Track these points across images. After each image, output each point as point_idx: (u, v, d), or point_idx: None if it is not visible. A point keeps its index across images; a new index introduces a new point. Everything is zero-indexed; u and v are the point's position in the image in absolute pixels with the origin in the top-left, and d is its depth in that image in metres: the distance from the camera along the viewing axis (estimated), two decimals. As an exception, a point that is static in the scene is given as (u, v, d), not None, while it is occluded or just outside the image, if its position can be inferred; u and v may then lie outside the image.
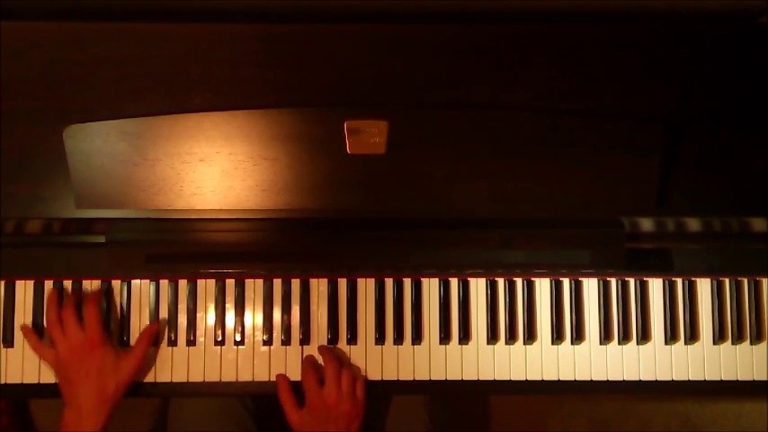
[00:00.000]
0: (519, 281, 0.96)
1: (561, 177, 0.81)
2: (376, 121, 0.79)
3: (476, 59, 0.82)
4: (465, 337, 0.94)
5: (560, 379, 0.94)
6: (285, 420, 0.89)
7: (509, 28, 0.82)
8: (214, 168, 0.80)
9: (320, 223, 0.85)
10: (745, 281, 0.97)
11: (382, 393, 1.01)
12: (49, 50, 0.80)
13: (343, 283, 0.95)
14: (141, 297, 0.94)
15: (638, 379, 0.95)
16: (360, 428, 0.88)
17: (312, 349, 0.94)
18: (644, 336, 0.95)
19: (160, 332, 0.93)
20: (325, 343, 0.94)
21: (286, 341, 0.94)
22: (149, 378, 0.92)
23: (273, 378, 0.93)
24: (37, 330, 0.92)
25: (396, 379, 0.93)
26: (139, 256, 0.86)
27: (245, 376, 0.93)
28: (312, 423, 0.87)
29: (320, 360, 0.92)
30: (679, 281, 0.96)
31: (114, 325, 0.93)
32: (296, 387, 0.91)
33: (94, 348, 0.86)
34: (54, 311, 0.88)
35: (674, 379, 0.95)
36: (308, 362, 0.92)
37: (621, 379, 0.95)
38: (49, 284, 0.93)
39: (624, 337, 0.95)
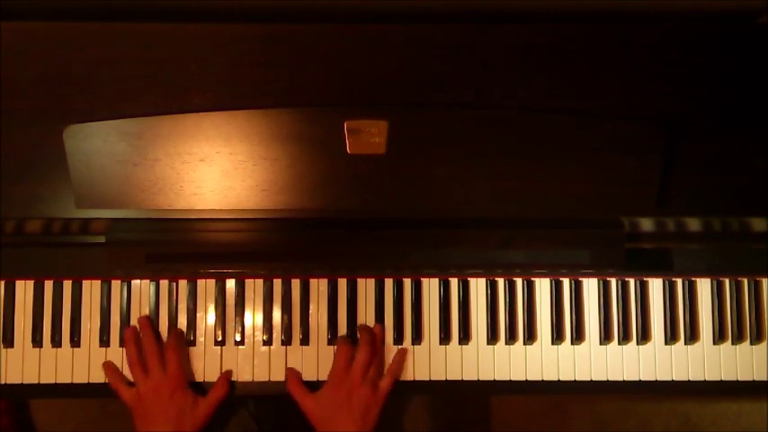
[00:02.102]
0: (519, 281, 0.96)
1: (561, 177, 0.81)
2: (376, 121, 0.79)
3: (476, 59, 0.82)
4: (465, 337, 0.94)
5: (560, 379, 0.95)
6: (288, 421, 0.89)
7: (509, 28, 0.82)
8: (214, 168, 0.80)
9: (320, 223, 0.85)
10: (745, 281, 0.97)
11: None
12: (49, 50, 0.80)
13: (343, 283, 0.95)
14: (141, 297, 0.94)
15: (638, 379, 0.95)
16: (376, 421, 0.87)
17: (312, 349, 0.94)
18: (644, 336, 0.95)
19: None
20: (325, 344, 0.94)
21: (286, 341, 0.94)
22: (149, 378, 0.92)
23: (273, 378, 0.93)
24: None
25: (395, 379, 0.93)
26: (139, 256, 0.86)
27: (245, 376, 0.93)
28: (329, 404, 0.86)
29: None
30: (679, 281, 0.96)
31: (114, 326, 0.93)
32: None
33: (175, 391, 0.86)
34: (134, 350, 0.89)
35: (674, 379, 0.95)
36: (344, 340, 0.91)
37: (621, 379, 0.95)
38: (49, 284, 0.93)
39: (624, 338, 0.95)
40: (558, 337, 0.95)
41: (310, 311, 0.94)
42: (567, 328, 0.95)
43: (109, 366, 0.91)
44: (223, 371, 0.93)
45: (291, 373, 0.92)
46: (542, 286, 0.96)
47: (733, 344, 0.96)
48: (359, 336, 0.91)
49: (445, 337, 0.94)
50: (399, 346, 0.94)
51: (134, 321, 0.93)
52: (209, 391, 0.90)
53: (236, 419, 1.04)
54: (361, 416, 0.85)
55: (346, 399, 0.86)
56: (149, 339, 0.89)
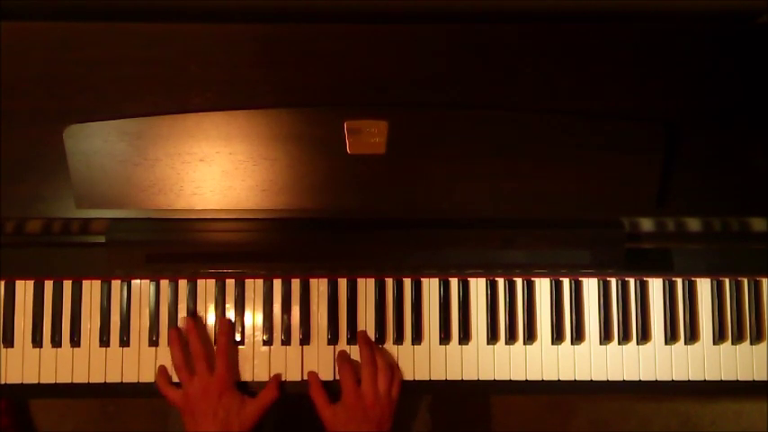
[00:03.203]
0: (519, 281, 0.96)
1: (561, 177, 0.81)
2: (376, 121, 0.79)
3: (476, 59, 0.82)
4: (465, 337, 0.94)
5: (560, 379, 0.95)
6: (289, 421, 0.89)
7: (509, 28, 0.82)
8: (214, 168, 0.80)
9: (320, 223, 0.85)
10: (745, 281, 0.97)
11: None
12: (49, 50, 0.80)
13: (343, 283, 0.95)
14: (141, 297, 0.94)
15: (638, 379, 0.95)
16: (390, 428, 0.88)
17: (312, 349, 0.94)
18: (644, 336, 0.95)
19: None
20: (325, 344, 0.94)
21: (286, 341, 0.94)
22: (150, 378, 0.92)
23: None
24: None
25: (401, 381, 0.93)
26: (139, 256, 0.86)
27: (246, 376, 0.93)
28: (347, 421, 0.87)
29: (352, 354, 0.93)
30: (679, 281, 0.96)
31: (114, 326, 0.93)
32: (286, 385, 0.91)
33: (224, 392, 0.87)
34: (180, 353, 0.89)
35: (674, 379, 0.95)
36: (343, 358, 0.92)
37: (621, 379, 0.95)
38: (49, 284, 0.93)
39: (624, 337, 0.95)
40: (558, 337, 0.95)
41: (310, 311, 0.94)
42: (567, 328, 0.95)
43: (160, 370, 0.91)
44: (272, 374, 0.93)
45: (314, 378, 0.92)
46: (542, 286, 0.96)
47: (733, 344, 0.96)
48: (359, 352, 0.91)
49: (445, 337, 0.94)
50: (399, 346, 0.94)
51: (134, 321, 0.93)
52: (259, 393, 0.90)
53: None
54: (377, 426, 0.87)
55: (363, 417, 0.87)
56: (195, 341, 0.89)
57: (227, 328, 0.92)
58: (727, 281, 0.96)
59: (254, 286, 0.94)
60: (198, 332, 0.91)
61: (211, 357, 0.90)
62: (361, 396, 0.87)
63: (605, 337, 0.95)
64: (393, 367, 0.92)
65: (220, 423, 0.86)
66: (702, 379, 0.95)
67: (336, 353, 0.93)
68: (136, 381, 0.92)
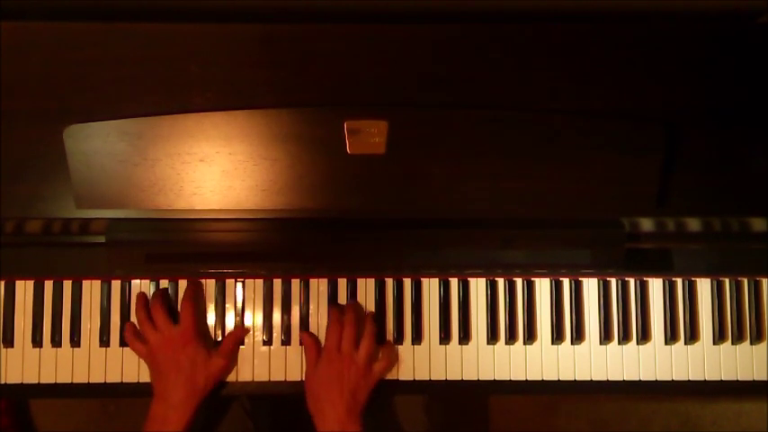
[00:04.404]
0: (519, 281, 0.96)
1: (561, 177, 0.81)
2: (376, 121, 0.79)
3: (476, 59, 0.82)
4: (465, 337, 0.94)
5: (560, 379, 0.95)
6: (283, 418, 0.89)
7: (509, 28, 0.82)
8: (214, 168, 0.80)
9: (320, 223, 0.85)
10: (745, 281, 0.97)
11: (382, 393, 1.01)
12: (49, 50, 0.80)
13: (343, 283, 0.95)
14: (141, 297, 0.94)
15: (638, 379, 0.95)
16: (365, 401, 0.87)
17: (312, 349, 0.94)
18: (644, 336, 0.95)
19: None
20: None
21: (286, 341, 0.94)
22: (149, 378, 0.92)
23: (273, 378, 0.93)
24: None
25: (396, 379, 0.93)
26: (139, 256, 0.86)
27: (246, 376, 0.93)
28: (319, 380, 0.87)
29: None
30: (679, 281, 0.96)
31: (114, 326, 0.93)
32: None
33: (188, 342, 0.87)
34: (143, 311, 0.90)
35: (674, 379, 0.95)
36: (335, 317, 0.90)
37: (621, 379, 0.95)
38: (49, 284, 0.93)
39: (624, 337, 0.95)
40: (557, 336, 0.95)
41: (310, 311, 0.94)
42: (567, 328, 0.95)
43: (128, 325, 0.91)
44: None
45: (308, 339, 0.91)
46: (542, 286, 0.96)
47: (733, 344, 0.96)
48: (344, 312, 0.91)
49: (445, 337, 0.94)
50: (399, 346, 0.94)
51: (134, 321, 0.93)
52: (223, 340, 0.91)
53: (232, 416, 1.04)
54: (350, 393, 0.85)
55: (337, 376, 0.86)
56: (155, 299, 0.90)
57: (194, 281, 0.92)
58: (727, 281, 0.96)
59: (254, 286, 0.94)
60: (160, 291, 0.92)
61: (173, 313, 0.91)
62: (340, 352, 0.87)
63: (605, 337, 0.95)
64: (385, 345, 0.91)
65: (185, 376, 0.85)
66: (702, 379, 0.95)
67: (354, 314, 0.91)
68: (136, 381, 0.92)
